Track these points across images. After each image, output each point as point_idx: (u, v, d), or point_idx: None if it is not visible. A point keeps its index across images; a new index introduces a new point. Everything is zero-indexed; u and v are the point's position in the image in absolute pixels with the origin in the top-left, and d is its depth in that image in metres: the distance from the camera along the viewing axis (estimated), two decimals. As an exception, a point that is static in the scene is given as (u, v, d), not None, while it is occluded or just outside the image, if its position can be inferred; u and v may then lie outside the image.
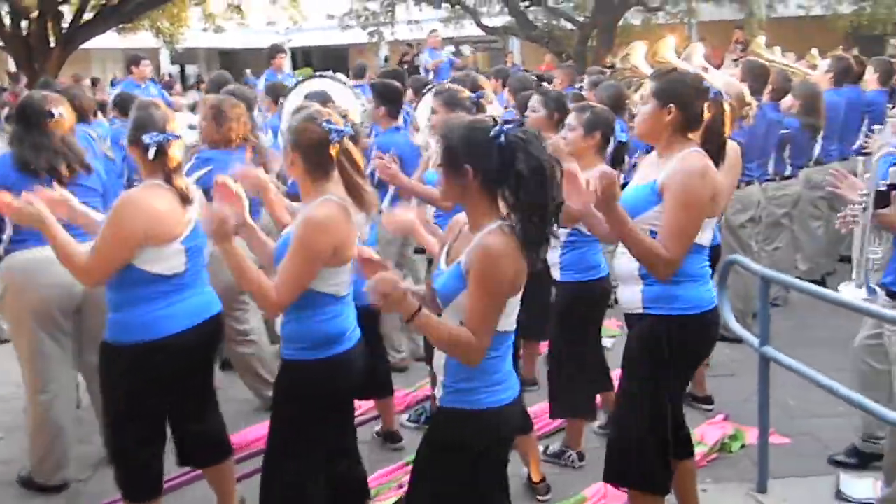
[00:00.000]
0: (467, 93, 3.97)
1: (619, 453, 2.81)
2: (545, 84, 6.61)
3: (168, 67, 23.47)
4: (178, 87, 15.66)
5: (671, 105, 2.65)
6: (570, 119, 3.47)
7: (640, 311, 2.75)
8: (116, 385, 2.86)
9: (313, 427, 2.64)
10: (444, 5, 17.35)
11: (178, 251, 2.78)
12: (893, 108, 5.56)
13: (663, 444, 2.75)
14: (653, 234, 2.61)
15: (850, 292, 3.32)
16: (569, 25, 17.08)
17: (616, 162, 3.39)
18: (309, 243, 2.48)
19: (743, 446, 3.83)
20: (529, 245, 2.13)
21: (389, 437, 3.92)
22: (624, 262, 2.77)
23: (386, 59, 19.97)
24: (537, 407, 4.03)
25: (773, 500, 3.38)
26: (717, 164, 2.68)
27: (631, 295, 2.77)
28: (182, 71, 25.22)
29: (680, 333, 2.67)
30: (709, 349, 2.93)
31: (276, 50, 8.73)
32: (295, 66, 16.74)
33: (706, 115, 2.69)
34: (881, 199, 3.09)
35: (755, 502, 3.38)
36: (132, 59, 8.88)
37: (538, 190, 2.09)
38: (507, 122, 2.16)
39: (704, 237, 2.69)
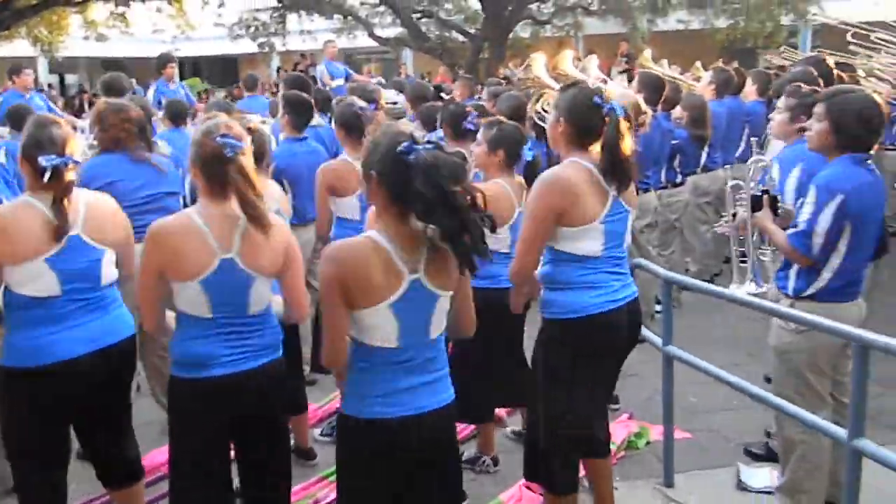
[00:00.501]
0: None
1: (530, 453, 3.00)
2: (443, 95, 6.70)
3: (46, 77, 22.32)
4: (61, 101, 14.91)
5: (561, 118, 2.81)
6: (479, 133, 3.55)
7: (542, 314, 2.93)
8: (11, 411, 2.74)
9: (190, 446, 2.59)
10: (336, 16, 17.24)
11: (41, 272, 2.65)
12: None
13: (565, 444, 2.88)
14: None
15: (744, 289, 3.53)
16: (461, 37, 17.34)
17: (529, 179, 3.47)
18: (145, 256, 2.48)
19: (648, 443, 3.98)
20: (457, 258, 2.18)
21: (303, 455, 3.85)
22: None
23: (278, 70, 19.69)
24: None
25: (679, 493, 3.52)
26: (614, 177, 2.76)
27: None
28: (62, 81, 24.05)
29: (564, 336, 2.83)
30: (604, 351, 2.93)
31: (166, 59, 8.47)
32: (182, 77, 16.25)
33: (602, 129, 2.76)
34: (756, 203, 3.29)
35: (663, 497, 3.51)
36: (13, 69, 8.43)
37: (443, 214, 2.09)
38: (429, 142, 2.17)
39: (584, 247, 2.77)
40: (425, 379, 2.29)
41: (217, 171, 2.45)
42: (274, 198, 3.35)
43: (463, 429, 4.00)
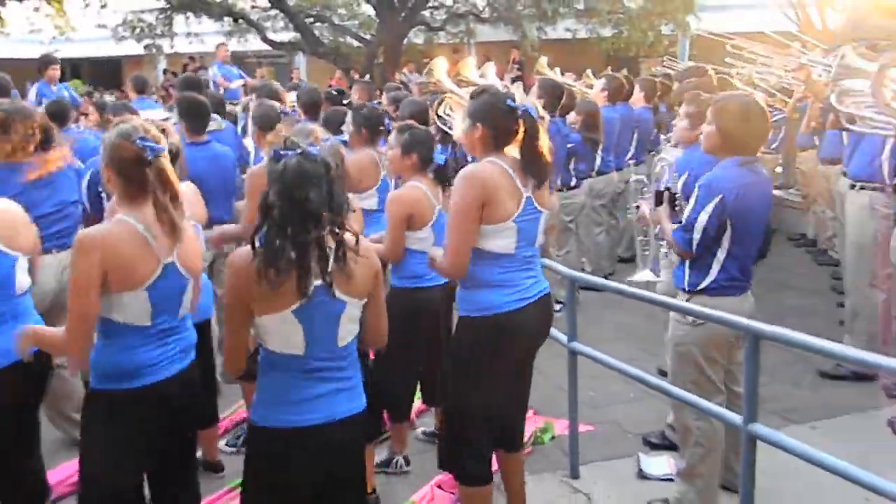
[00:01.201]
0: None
1: (443, 445, 3.08)
2: (344, 100, 6.67)
3: None
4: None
5: (478, 123, 2.87)
6: (391, 138, 3.58)
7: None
8: None
9: (114, 461, 2.47)
10: (226, 18, 16.84)
11: None
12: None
13: (477, 438, 2.95)
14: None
15: (642, 276, 3.70)
16: (355, 42, 17.28)
17: (442, 182, 3.51)
18: (74, 267, 2.34)
19: (553, 437, 4.10)
20: (299, 269, 2.13)
21: (211, 467, 3.75)
22: None
23: (164, 72, 19.04)
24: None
25: (584, 484, 3.65)
26: (533, 175, 2.85)
27: None
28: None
29: (475, 333, 2.90)
30: (513, 349, 2.98)
31: (48, 61, 8.10)
32: (62, 79, 15.46)
33: (518, 130, 2.84)
34: (658, 199, 3.49)
35: (569, 488, 3.63)
36: (42, 61, 8.31)
37: (295, 222, 2.10)
38: (298, 150, 2.15)
39: (498, 245, 2.84)
40: (333, 387, 2.27)
41: (137, 174, 2.37)
42: (189, 201, 3.25)
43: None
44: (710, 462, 3.26)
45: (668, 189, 3.49)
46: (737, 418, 2.73)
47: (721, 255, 3.17)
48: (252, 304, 2.16)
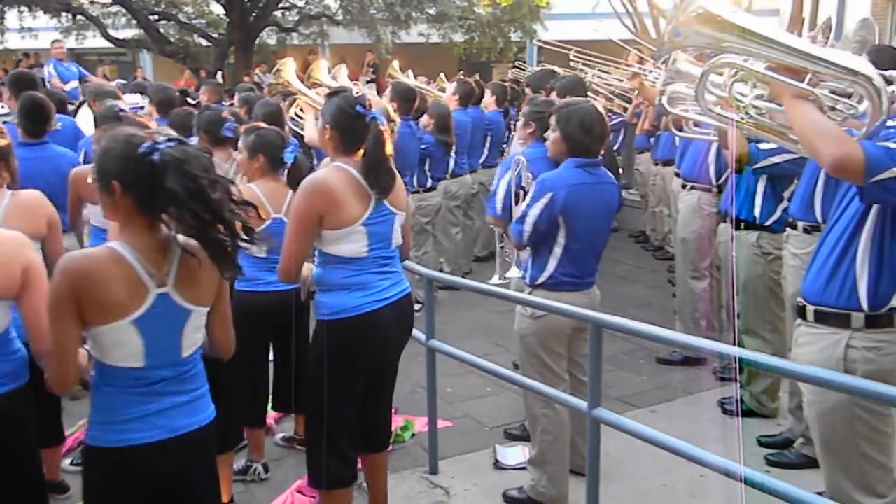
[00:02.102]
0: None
1: (307, 451, 3.07)
2: (190, 100, 6.47)
3: None
4: None
5: (327, 125, 2.90)
6: (240, 141, 3.53)
7: None
8: None
9: None
10: (64, 14, 15.85)
11: None
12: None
13: (340, 441, 2.96)
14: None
15: (511, 273, 3.83)
16: (205, 42, 16.74)
17: (295, 182, 3.48)
18: None
19: (413, 435, 4.16)
20: (215, 261, 2.06)
21: (55, 488, 3.54)
22: None
23: (-7, 70, 17.68)
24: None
25: (443, 478, 3.72)
26: (376, 180, 2.86)
27: None
28: None
29: (333, 336, 2.91)
30: (366, 351, 2.99)
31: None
32: None
33: (366, 135, 2.86)
34: (515, 198, 3.63)
35: (428, 483, 3.69)
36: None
37: (200, 209, 1.97)
38: (169, 139, 2.03)
39: (347, 248, 2.86)
40: (179, 400, 2.13)
41: None
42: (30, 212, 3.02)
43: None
44: (559, 448, 3.42)
45: (522, 188, 3.63)
46: (582, 404, 2.89)
47: (558, 250, 3.33)
48: (85, 314, 1.98)
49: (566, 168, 3.36)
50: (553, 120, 3.45)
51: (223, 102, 6.94)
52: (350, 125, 2.87)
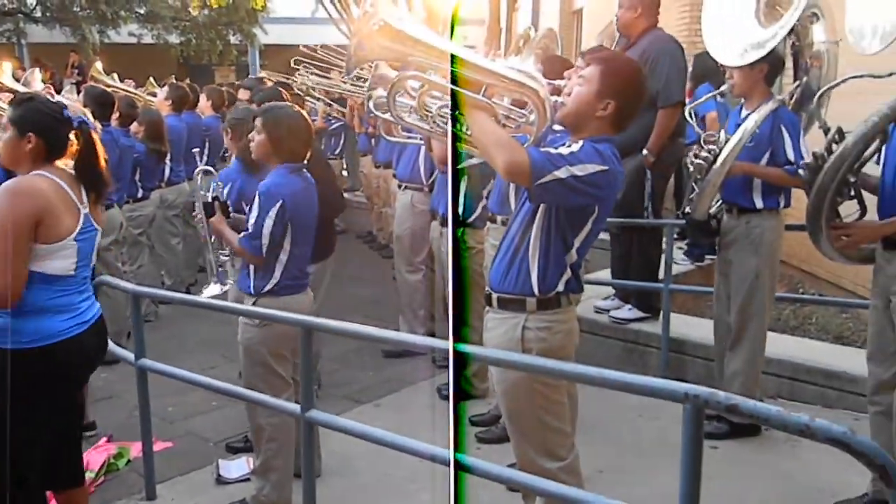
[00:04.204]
0: None
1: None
2: None
3: None
4: None
5: (30, 133, 2.65)
6: None
7: None
8: None
9: None
10: None
11: None
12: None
13: (31, 480, 2.74)
14: None
15: (211, 291, 3.72)
16: None
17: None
18: None
19: (129, 462, 3.92)
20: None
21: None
22: None
23: None
24: None
25: (161, 503, 3.56)
26: (91, 190, 2.71)
27: None
28: None
29: (27, 367, 2.62)
30: (67, 379, 2.79)
31: None
32: None
33: (73, 142, 2.69)
34: (208, 210, 3.52)
35: (145, 510, 3.52)
36: None
37: None
38: None
39: (56, 265, 2.65)
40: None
41: None
42: None
43: None
44: (285, 455, 3.43)
45: (216, 199, 3.56)
46: (295, 407, 2.91)
47: (283, 257, 3.34)
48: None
49: (282, 175, 3.36)
50: (258, 122, 3.43)
51: None
52: (57, 132, 2.66)
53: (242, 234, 3.35)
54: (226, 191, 3.68)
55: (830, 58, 3.93)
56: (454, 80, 2.56)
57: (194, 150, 6.93)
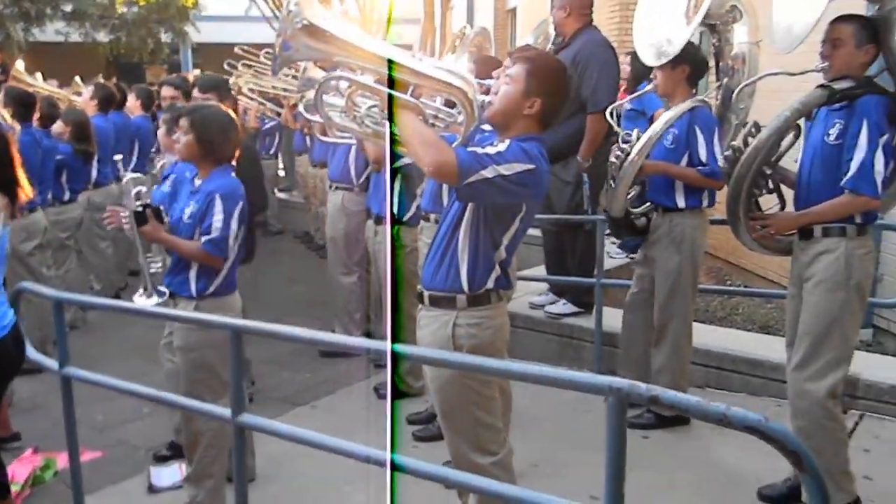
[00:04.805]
0: None
1: None
2: None
3: None
4: None
5: None
6: None
7: None
8: None
9: None
10: None
11: None
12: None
13: None
14: None
15: (141, 301, 3.63)
16: None
17: None
18: None
19: (56, 473, 3.82)
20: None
21: None
22: None
23: None
24: None
25: (91, 514, 3.47)
26: (6, 194, 2.64)
27: None
28: None
29: None
30: None
31: None
32: None
33: None
34: (140, 219, 3.40)
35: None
36: None
37: None
38: None
39: None
40: None
41: None
42: None
43: None
44: (222, 461, 3.38)
45: (148, 205, 3.46)
46: (226, 412, 2.86)
47: (231, 255, 3.31)
48: None
49: (227, 176, 3.35)
50: (185, 122, 3.36)
51: None
52: None
53: (205, 238, 3.26)
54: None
55: (751, 58, 4.04)
56: (382, 81, 2.56)
57: (123, 151, 6.82)
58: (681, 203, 3.86)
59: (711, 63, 4.16)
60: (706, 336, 4.52)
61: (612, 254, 6.51)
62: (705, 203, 3.90)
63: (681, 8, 3.82)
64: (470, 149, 2.48)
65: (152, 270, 3.75)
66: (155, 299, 3.73)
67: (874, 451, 3.61)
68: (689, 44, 3.74)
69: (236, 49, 7.05)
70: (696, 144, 3.76)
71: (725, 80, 4.09)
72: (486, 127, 2.83)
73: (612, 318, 4.62)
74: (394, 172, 4.27)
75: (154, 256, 3.79)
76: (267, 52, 6.68)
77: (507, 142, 2.47)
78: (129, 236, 3.49)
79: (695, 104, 3.79)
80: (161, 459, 3.88)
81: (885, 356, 5.06)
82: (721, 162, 3.71)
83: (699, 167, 3.76)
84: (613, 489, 1.92)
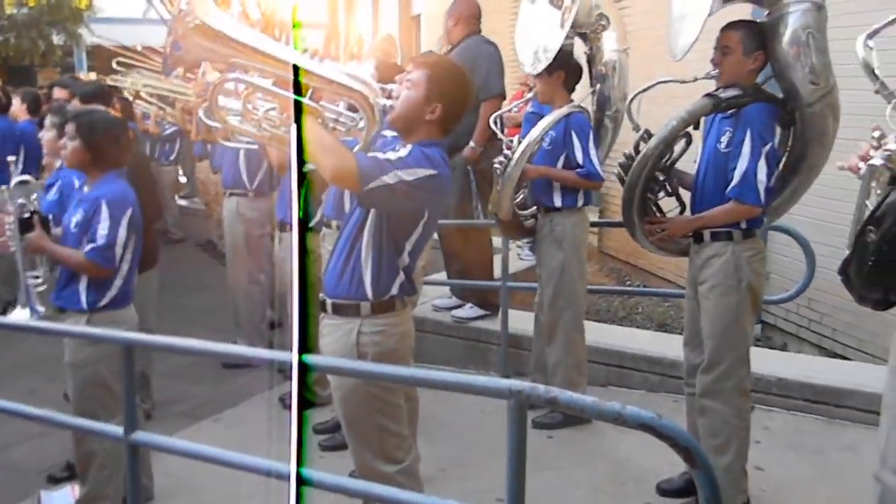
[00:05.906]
0: None
1: None
2: None
3: None
4: None
5: None
6: None
7: None
8: None
9: None
10: None
11: None
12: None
13: None
14: None
15: (19, 315, 3.43)
16: None
17: None
18: None
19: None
20: None
21: None
22: None
23: None
24: None
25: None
26: None
27: None
28: None
29: None
30: None
31: None
32: None
33: None
34: (25, 226, 3.23)
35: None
36: None
37: None
38: None
39: None
40: None
41: None
42: None
43: None
44: (116, 482, 3.23)
45: (35, 213, 3.29)
46: (118, 430, 2.73)
47: (125, 266, 3.21)
48: None
49: (118, 182, 3.24)
50: (70, 128, 3.22)
51: None
52: None
53: (90, 246, 3.11)
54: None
55: (620, 65, 4.20)
56: (279, 83, 2.51)
57: (9, 158, 6.47)
58: (558, 203, 4.03)
59: (586, 70, 4.27)
60: (607, 335, 4.63)
61: (522, 256, 6.63)
62: (580, 202, 4.07)
63: (555, 18, 3.96)
64: (371, 154, 2.46)
65: (30, 282, 3.56)
66: (26, 314, 3.53)
67: (764, 442, 3.77)
68: (563, 51, 3.88)
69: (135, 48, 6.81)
70: (573, 147, 3.93)
71: (598, 85, 4.24)
72: (391, 133, 2.82)
73: (519, 321, 4.68)
74: (301, 177, 4.19)
75: (35, 271, 3.58)
76: (150, 51, 6.51)
77: (410, 147, 2.46)
78: (10, 246, 3.29)
79: (571, 110, 3.94)
80: (56, 481, 3.70)
81: (772, 350, 5.33)
82: (597, 164, 3.91)
83: (577, 170, 3.92)
84: (514, 490, 1.94)
